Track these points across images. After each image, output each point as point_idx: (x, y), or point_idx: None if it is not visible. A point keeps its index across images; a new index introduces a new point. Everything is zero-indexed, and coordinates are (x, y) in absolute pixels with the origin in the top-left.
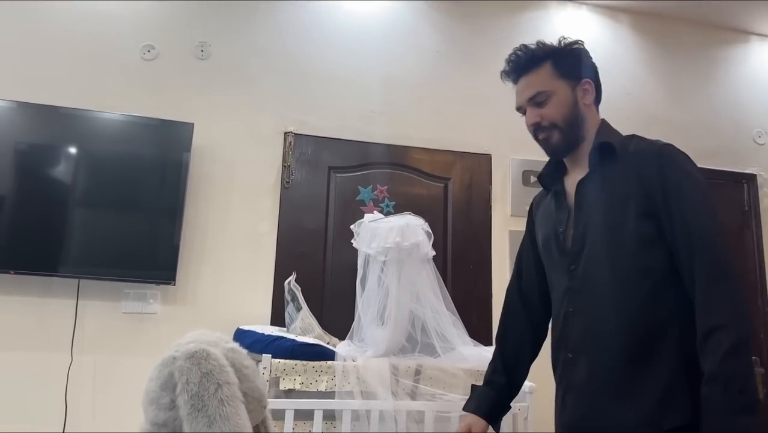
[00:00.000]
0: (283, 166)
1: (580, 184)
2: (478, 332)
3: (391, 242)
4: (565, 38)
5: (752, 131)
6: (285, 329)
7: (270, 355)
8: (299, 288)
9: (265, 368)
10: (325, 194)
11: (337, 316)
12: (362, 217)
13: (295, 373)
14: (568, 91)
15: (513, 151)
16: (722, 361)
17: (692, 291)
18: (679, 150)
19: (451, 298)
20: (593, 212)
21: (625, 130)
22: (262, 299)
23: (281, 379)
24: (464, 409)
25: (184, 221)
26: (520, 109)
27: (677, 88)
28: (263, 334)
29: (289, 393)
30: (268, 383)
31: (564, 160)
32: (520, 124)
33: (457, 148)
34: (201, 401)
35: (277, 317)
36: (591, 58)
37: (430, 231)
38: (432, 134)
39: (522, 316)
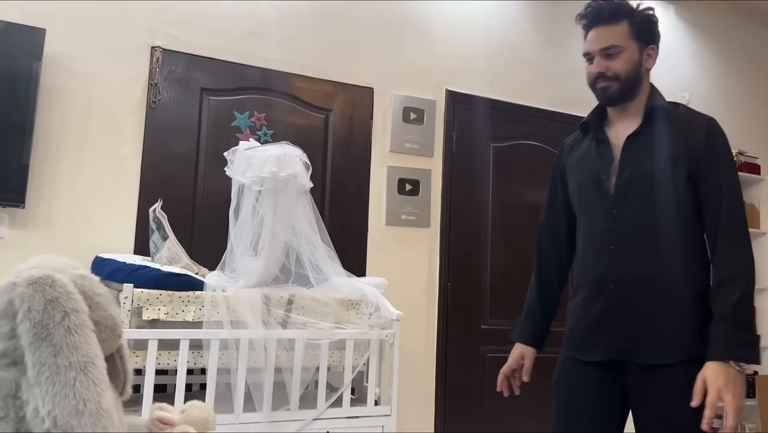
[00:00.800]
0: (150, 84)
1: (632, 137)
2: (353, 264)
3: (267, 171)
4: (642, 1)
5: None
6: (150, 258)
7: (132, 284)
8: (165, 216)
9: (126, 297)
10: (197, 118)
11: (208, 246)
12: (237, 144)
13: (159, 303)
14: (636, 52)
15: (395, 86)
16: (734, 305)
17: (713, 245)
18: (720, 127)
19: (327, 230)
20: (642, 165)
21: (500, 70)
22: (124, 226)
23: (144, 309)
24: (512, 338)
25: (35, 138)
26: (588, 56)
27: (553, 36)
28: (125, 263)
29: (154, 323)
30: (129, 313)
31: (609, 111)
32: (404, 59)
33: (340, 79)
34: (45, 329)
35: (141, 246)
36: (658, 26)
37: (309, 162)
38: (315, 62)
39: (554, 254)
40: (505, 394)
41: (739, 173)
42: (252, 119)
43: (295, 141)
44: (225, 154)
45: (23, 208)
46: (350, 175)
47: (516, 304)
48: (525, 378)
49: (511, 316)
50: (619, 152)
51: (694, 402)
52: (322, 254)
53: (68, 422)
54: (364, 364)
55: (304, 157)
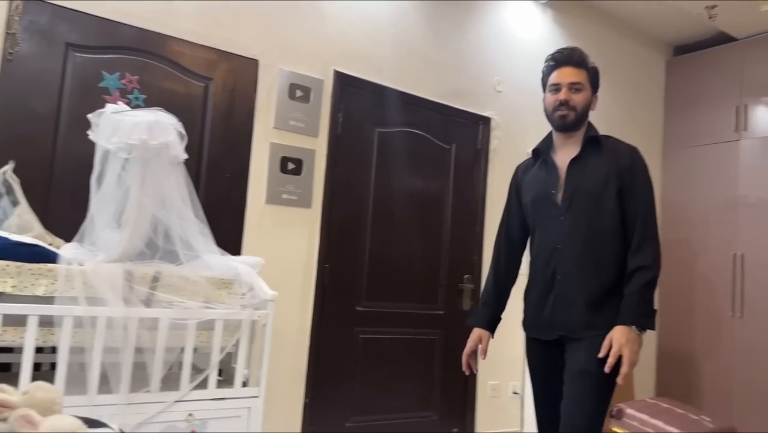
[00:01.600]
0: (7, 34)
1: (574, 160)
2: (228, 242)
3: (136, 138)
4: (593, 62)
5: (493, 78)
6: None
7: None
8: (17, 180)
9: None
10: (60, 74)
11: (65, 215)
12: (104, 107)
13: (6, 275)
14: (589, 95)
15: (282, 61)
16: (641, 287)
17: (631, 241)
18: (640, 153)
19: (202, 205)
20: (581, 182)
21: (388, 57)
22: None
23: None
24: (470, 324)
25: None
26: (556, 86)
27: (438, 28)
28: None
29: None
30: None
31: (555, 139)
32: (293, 34)
33: (223, 47)
34: None
35: None
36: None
37: (184, 132)
38: (197, 27)
39: (509, 254)
40: (467, 373)
41: None
42: (123, 81)
43: (171, 109)
44: (89, 116)
45: None
46: (230, 150)
47: (391, 287)
48: (482, 357)
49: (386, 299)
50: (563, 173)
51: (601, 354)
52: (194, 230)
53: None
54: (234, 345)
55: (179, 127)
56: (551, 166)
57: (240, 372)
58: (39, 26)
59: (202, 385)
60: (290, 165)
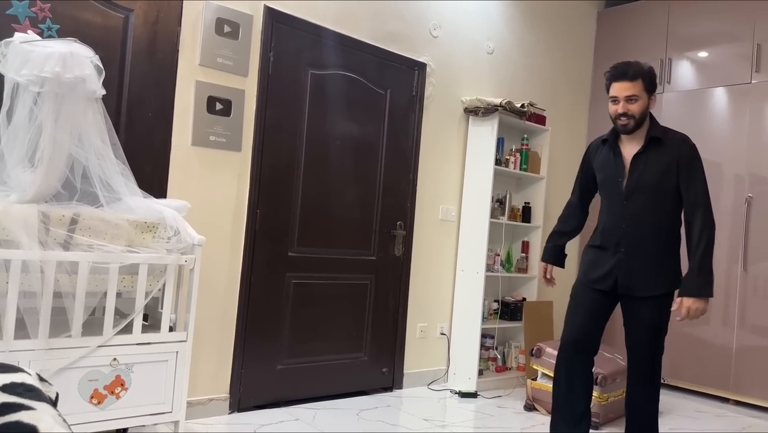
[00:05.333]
0: None
1: (636, 156)
2: (152, 184)
3: (48, 71)
4: (647, 63)
5: (429, 23)
6: None
7: None
8: None
9: None
10: None
11: None
12: (13, 36)
13: None
14: (646, 101)
15: None
16: (701, 259)
17: (689, 218)
18: (692, 142)
19: (123, 146)
20: (642, 174)
21: (335, 3)
22: None
23: None
24: (543, 260)
25: None
26: (615, 99)
27: None
28: None
29: None
30: None
31: (622, 135)
32: None
33: None
34: None
35: None
36: (656, 77)
37: (101, 66)
38: None
39: (577, 211)
40: (551, 286)
41: (528, 123)
42: (33, 9)
43: (87, 41)
44: None
45: None
46: (152, 87)
47: (323, 233)
48: (551, 282)
49: (318, 244)
50: (628, 164)
51: (675, 309)
52: (115, 171)
53: None
54: (160, 290)
55: (96, 60)
56: (618, 157)
57: (167, 317)
58: None
59: (127, 330)
60: (218, 105)
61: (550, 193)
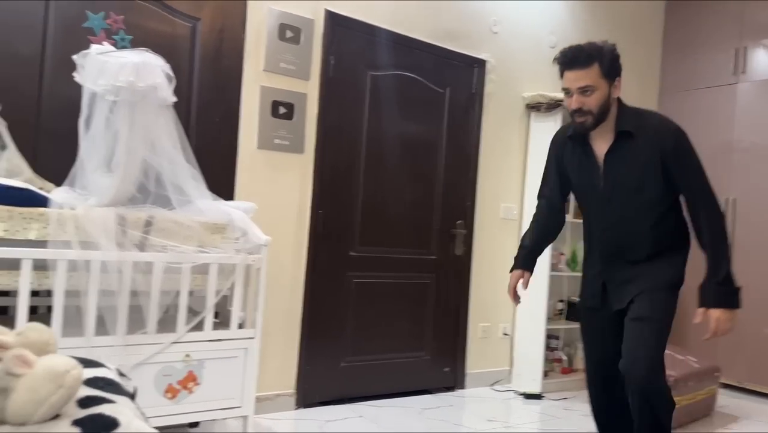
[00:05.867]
0: None
1: (608, 154)
2: (220, 187)
3: (123, 80)
4: (607, 42)
5: (489, 19)
6: None
7: None
8: (4, 123)
9: None
10: (42, 15)
11: (54, 159)
12: (89, 48)
13: None
14: (607, 88)
15: None
16: (720, 264)
17: (696, 220)
18: (683, 131)
19: (193, 150)
20: (619, 176)
21: (394, 5)
22: None
23: None
24: (514, 269)
25: None
26: (567, 91)
27: None
28: None
29: None
30: None
31: None
32: None
33: None
34: None
35: None
36: (620, 59)
37: (172, 74)
38: None
39: (548, 214)
40: (516, 304)
41: None
42: (108, 21)
43: (158, 50)
44: (74, 57)
45: None
46: (219, 93)
47: (384, 233)
48: (525, 287)
49: (379, 244)
50: (602, 162)
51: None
52: (186, 175)
53: None
54: (229, 288)
55: (167, 68)
56: (589, 153)
57: (236, 315)
58: None
59: (199, 327)
60: (282, 109)
61: None
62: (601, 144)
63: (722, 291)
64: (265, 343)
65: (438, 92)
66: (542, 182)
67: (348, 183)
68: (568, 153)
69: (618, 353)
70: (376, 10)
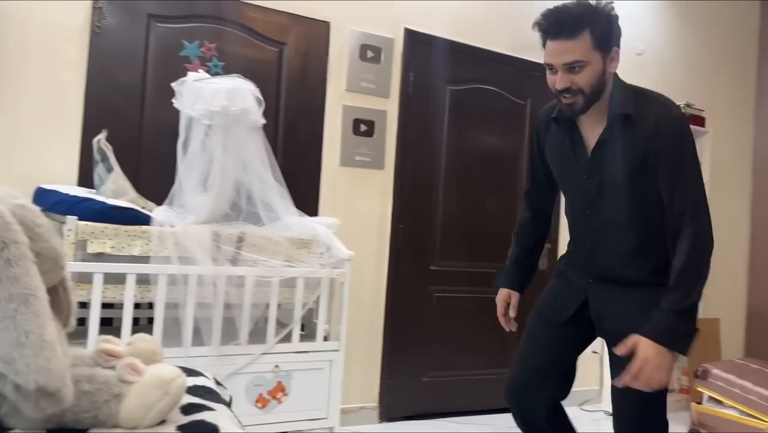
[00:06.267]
0: (94, 8)
1: (598, 146)
2: (305, 204)
3: (217, 105)
4: (605, 4)
5: None
6: (94, 190)
7: (76, 217)
8: (110, 147)
9: (70, 230)
10: (143, 45)
11: (155, 180)
12: (186, 75)
13: (105, 236)
14: (600, 62)
15: (353, 22)
16: (681, 297)
17: (675, 237)
18: (685, 124)
19: (280, 168)
20: (610, 172)
21: (460, 11)
22: (67, 156)
23: (89, 242)
24: (497, 285)
25: None
26: (550, 67)
27: None
28: (68, 194)
29: (99, 257)
30: (73, 246)
31: None
32: None
33: (295, 11)
34: None
35: (85, 178)
36: (618, 22)
37: (261, 98)
38: None
39: (535, 219)
40: (509, 329)
41: None
42: (202, 49)
43: (247, 74)
44: (173, 85)
45: None
46: (304, 113)
47: (464, 247)
48: (512, 313)
49: (460, 258)
50: (590, 151)
51: (620, 351)
52: (274, 193)
53: (9, 353)
54: (314, 301)
55: (257, 92)
56: (577, 139)
57: (321, 327)
58: None
59: (287, 339)
60: (363, 127)
61: (714, 200)
62: (591, 130)
63: (675, 324)
64: (349, 356)
65: (518, 104)
66: (528, 180)
67: (428, 197)
68: (551, 139)
69: (552, 370)
70: (454, 25)
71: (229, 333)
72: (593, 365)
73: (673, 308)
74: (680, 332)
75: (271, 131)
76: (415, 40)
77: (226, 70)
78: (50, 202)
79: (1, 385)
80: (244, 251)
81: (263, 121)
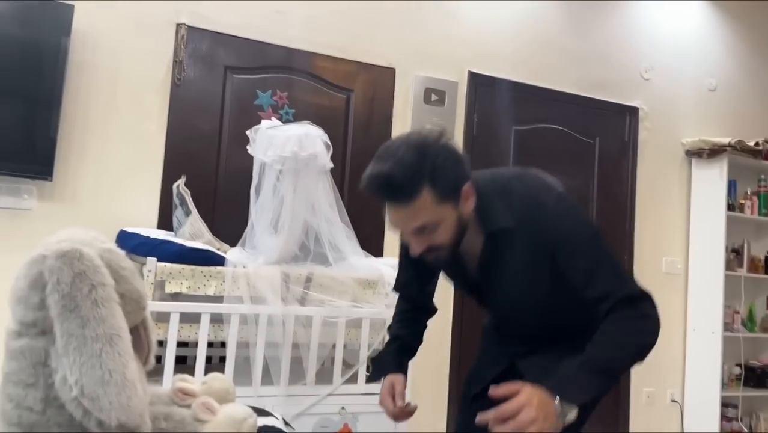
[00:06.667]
0: (175, 61)
1: (482, 264)
2: (370, 244)
3: (288, 150)
4: (429, 137)
5: (640, 65)
6: (173, 233)
7: (155, 258)
8: (189, 192)
9: (150, 271)
10: (220, 95)
11: (229, 222)
12: (259, 122)
13: (182, 277)
14: (453, 212)
15: (417, 67)
16: (614, 343)
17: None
18: (566, 201)
19: (346, 210)
20: (501, 291)
21: (524, 52)
22: (148, 201)
23: (167, 282)
24: (384, 372)
25: (63, 112)
26: (399, 230)
27: (578, 18)
28: (149, 237)
29: (176, 297)
30: (152, 286)
31: None
32: (426, 39)
33: (361, 59)
34: (73, 301)
35: (165, 221)
36: (459, 150)
37: (329, 142)
38: (337, 41)
39: (409, 305)
40: (399, 421)
41: (766, 162)
42: (274, 98)
43: (316, 121)
44: (247, 132)
45: (51, 180)
46: (370, 156)
47: None
48: (401, 402)
49: None
50: (475, 266)
51: (495, 393)
52: (341, 234)
53: (94, 391)
54: (380, 342)
55: (325, 138)
56: (457, 258)
57: None
58: (201, 52)
59: (353, 380)
60: None
61: None
62: (471, 245)
63: (576, 377)
64: (414, 399)
65: (586, 143)
66: (397, 279)
67: None
68: None
69: None
70: (518, 66)
71: (296, 373)
72: (673, 414)
73: (580, 364)
74: (583, 385)
75: (338, 174)
76: (478, 83)
77: (297, 117)
78: (132, 244)
79: (86, 421)
80: (312, 291)
81: (331, 165)
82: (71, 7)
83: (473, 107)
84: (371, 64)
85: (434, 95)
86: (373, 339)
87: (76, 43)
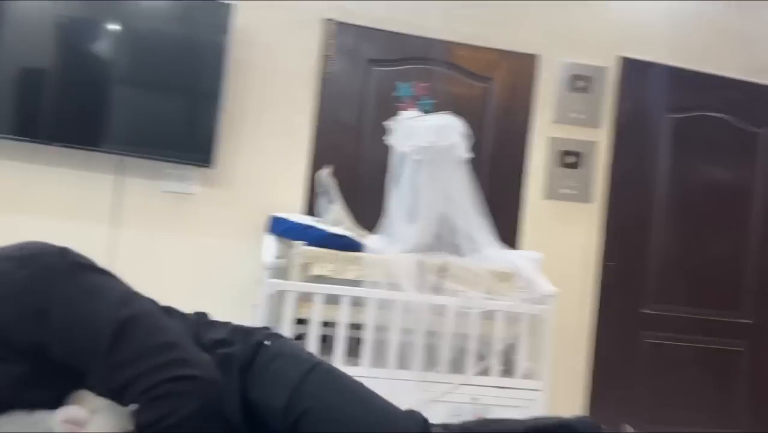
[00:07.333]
0: (324, 56)
1: None
2: (506, 237)
3: (426, 141)
4: None
5: None
6: (317, 218)
7: (302, 242)
8: (334, 181)
9: (297, 253)
10: (363, 88)
11: (368, 210)
12: (398, 114)
13: (326, 261)
14: None
15: (562, 53)
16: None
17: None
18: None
19: (484, 201)
20: None
21: (682, 34)
22: (295, 188)
23: (312, 265)
24: None
25: (223, 105)
26: None
27: None
28: (296, 222)
29: (320, 278)
30: (299, 267)
31: None
32: (572, 24)
33: (503, 47)
34: None
35: (310, 207)
36: None
37: (468, 132)
38: (478, 30)
39: None
40: None
41: None
42: (414, 89)
43: (455, 110)
44: (387, 123)
45: (211, 168)
46: (507, 147)
47: (683, 289)
48: None
49: (677, 302)
50: None
51: None
52: (477, 225)
53: None
54: (513, 337)
55: (463, 128)
56: None
57: (521, 364)
58: (347, 46)
59: (487, 372)
60: (568, 159)
61: None
62: None
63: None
64: (550, 396)
65: (750, 133)
66: None
67: (641, 234)
68: None
69: None
70: (675, 50)
71: (430, 360)
72: None
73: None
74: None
75: (475, 164)
76: (630, 68)
77: (436, 108)
78: (282, 228)
79: None
80: (446, 280)
81: (468, 155)
82: (231, 7)
83: (624, 94)
84: (513, 52)
85: (580, 81)
86: (507, 332)
87: (236, 40)
